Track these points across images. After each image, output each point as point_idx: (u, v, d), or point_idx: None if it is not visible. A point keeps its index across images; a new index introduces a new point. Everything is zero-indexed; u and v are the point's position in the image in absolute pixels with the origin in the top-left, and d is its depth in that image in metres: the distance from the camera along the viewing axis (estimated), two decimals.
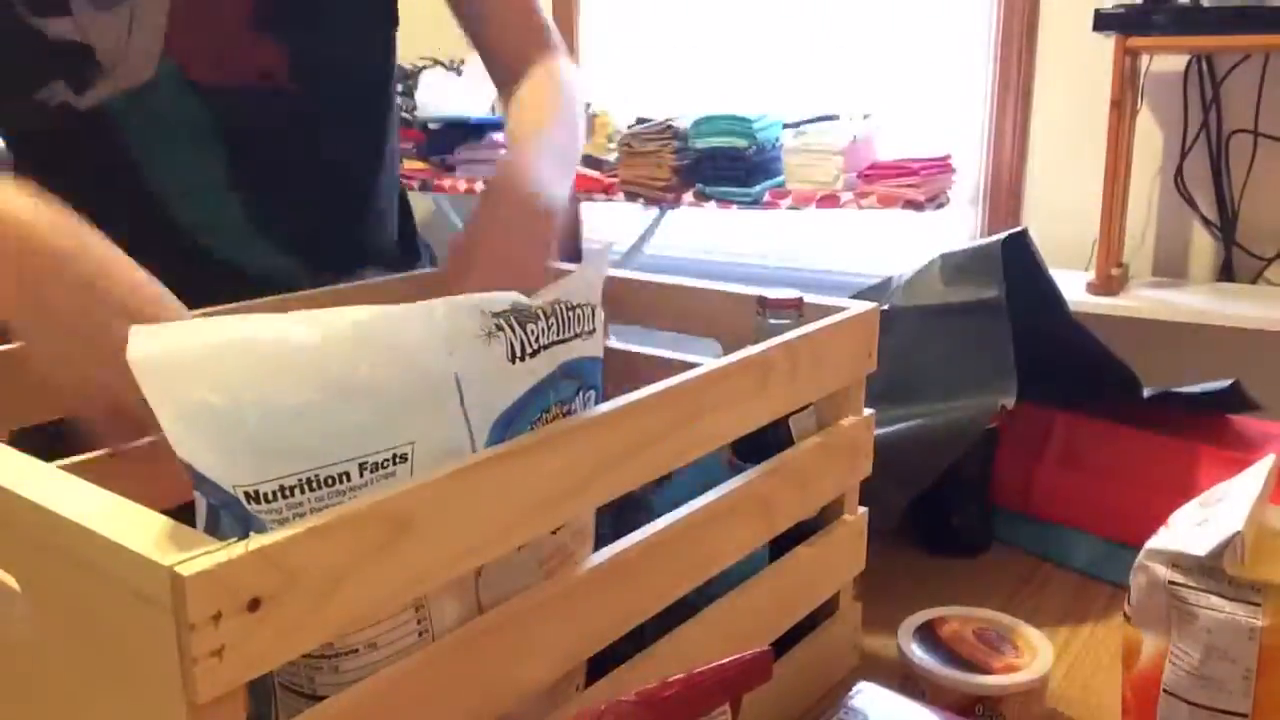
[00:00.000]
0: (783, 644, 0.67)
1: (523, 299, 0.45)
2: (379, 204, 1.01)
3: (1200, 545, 0.55)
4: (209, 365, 0.37)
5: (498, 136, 3.03)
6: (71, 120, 0.83)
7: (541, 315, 0.45)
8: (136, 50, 0.82)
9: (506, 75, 0.94)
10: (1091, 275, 2.27)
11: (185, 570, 0.32)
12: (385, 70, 0.99)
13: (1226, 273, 2.39)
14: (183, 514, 0.39)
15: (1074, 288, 2.28)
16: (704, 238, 3.15)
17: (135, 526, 0.35)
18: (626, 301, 0.78)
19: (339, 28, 0.91)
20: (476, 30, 0.97)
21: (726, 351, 0.58)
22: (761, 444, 0.62)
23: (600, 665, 0.53)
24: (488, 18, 0.96)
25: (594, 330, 0.49)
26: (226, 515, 0.39)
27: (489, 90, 3.08)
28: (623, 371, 0.69)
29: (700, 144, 2.72)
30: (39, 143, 0.87)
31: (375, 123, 0.98)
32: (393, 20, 0.96)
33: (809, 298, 0.67)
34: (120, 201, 0.77)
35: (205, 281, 0.65)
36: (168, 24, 0.82)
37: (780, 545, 0.65)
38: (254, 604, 0.34)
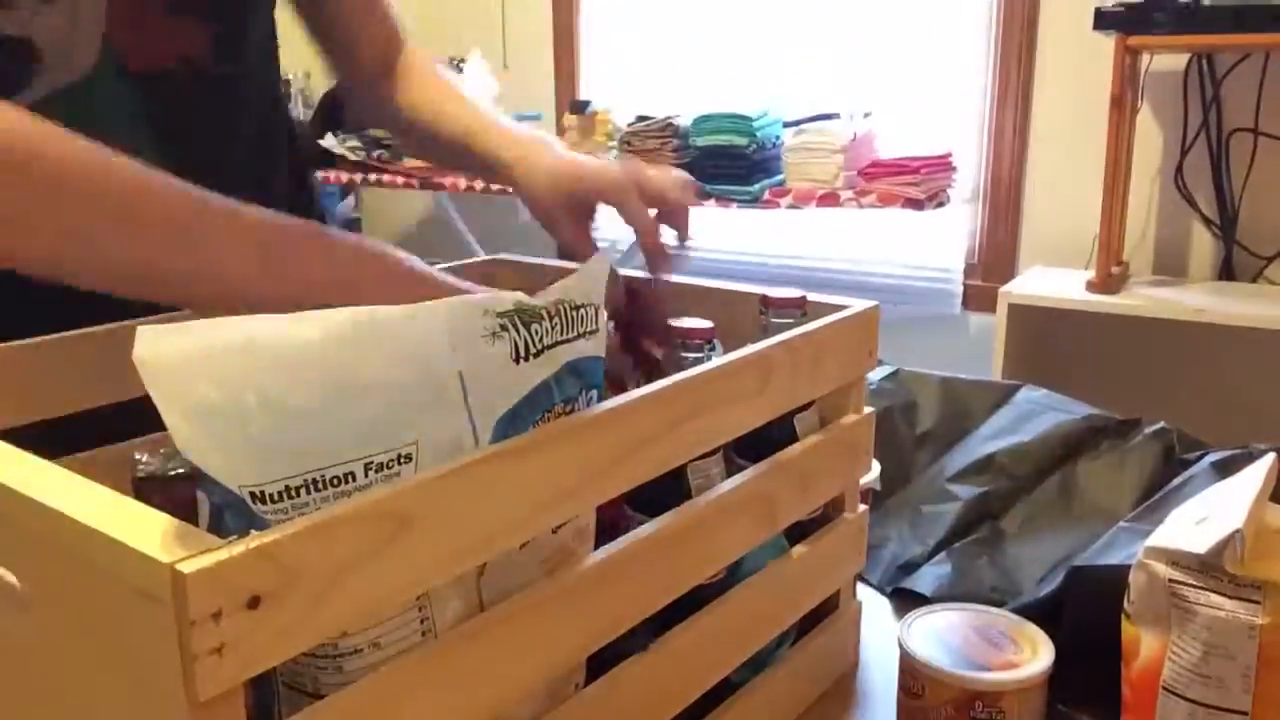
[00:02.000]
0: (784, 641, 0.67)
1: (526, 299, 0.45)
2: (280, 189, 0.98)
3: (1200, 543, 0.55)
4: (214, 365, 0.37)
5: None
6: None
7: (545, 315, 0.45)
8: (79, 42, 0.79)
9: (380, 64, 0.97)
10: (1091, 274, 2.27)
11: (186, 568, 0.32)
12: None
13: (1226, 271, 2.40)
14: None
15: (1074, 286, 2.29)
16: (704, 236, 3.15)
17: (136, 524, 0.35)
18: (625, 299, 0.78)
19: (259, 6, 0.90)
20: (341, 23, 0.97)
21: (728, 350, 0.58)
22: (766, 442, 0.62)
23: (600, 663, 0.53)
24: (351, 11, 0.98)
25: (597, 330, 0.49)
26: (230, 515, 0.39)
27: (490, 87, 3.09)
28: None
29: (700, 142, 2.72)
30: None
31: (284, 105, 0.98)
32: None
33: (812, 296, 0.67)
34: None
35: None
36: (106, 13, 0.79)
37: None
38: (254, 601, 0.34)
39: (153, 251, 0.56)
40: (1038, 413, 1.00)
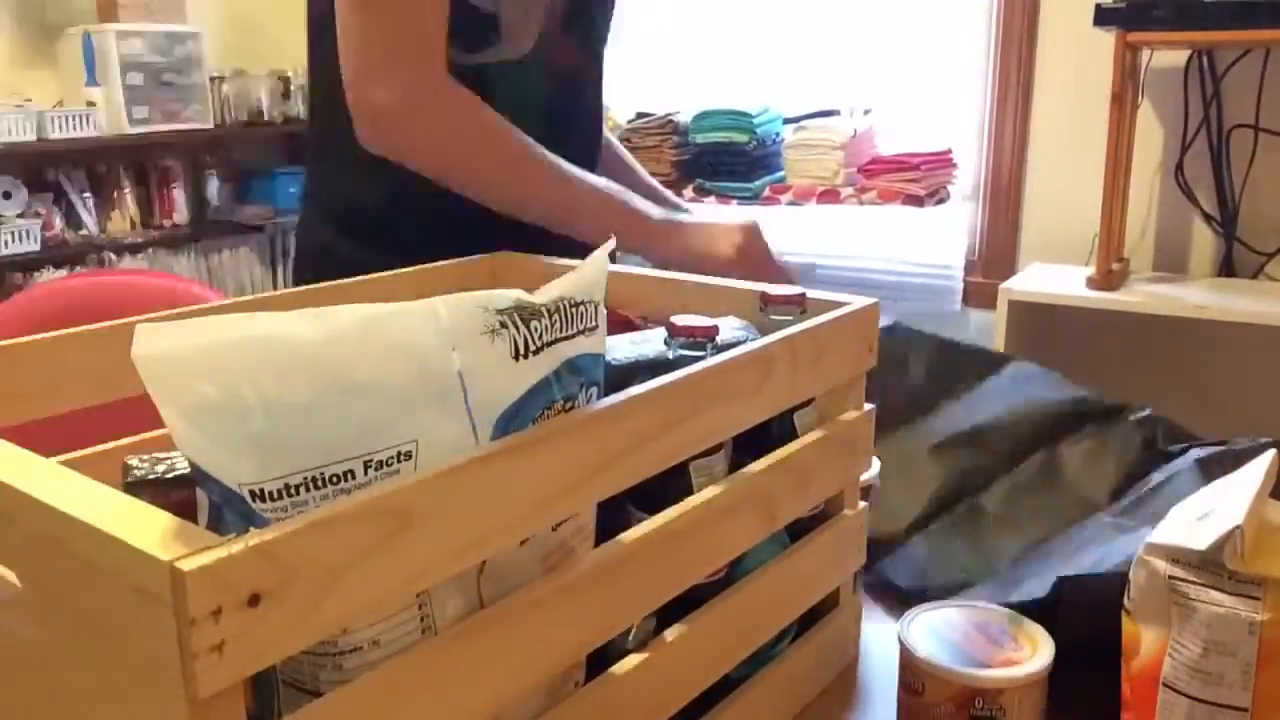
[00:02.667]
0: (784, 638, 0.67)
1: (526, 296, 0.45)
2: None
3: (1200, 540, 0.55)
4: (213, 363, 0.37)
5: None
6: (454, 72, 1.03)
7: (545, 312, 0.45)
8: (526, 31, 1.05)
9: None
10: (1092, 270, 2.27)
11: (186, 565, 0.32)
12: None
13: (1227, 268, 2.39)
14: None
15: (1074, 283, 2.28)
16: None
17: (136, 522, 0.35)
18: (629, 297, 0.78)
19: (604, 31, 1.18)
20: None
21: (729, 347, 0.58)
22: (766, 439, 0.62)
23: (600, 661, 0.53)
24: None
25: (597, 326, 0.49)
26: (230, 513, 0.39)
27: None
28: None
29: (701, 139, 2.72)
30: None
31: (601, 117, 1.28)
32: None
33: (811, 293, 0.67)
34: None
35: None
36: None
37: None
38: (254, 599, 0.34)
39: (558, 215, 1.02)
40: (1025, 387, 1.00)
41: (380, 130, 0.98)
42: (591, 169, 1.14)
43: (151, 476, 0.48)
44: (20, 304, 1.54)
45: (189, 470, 0.46)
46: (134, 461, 0.49)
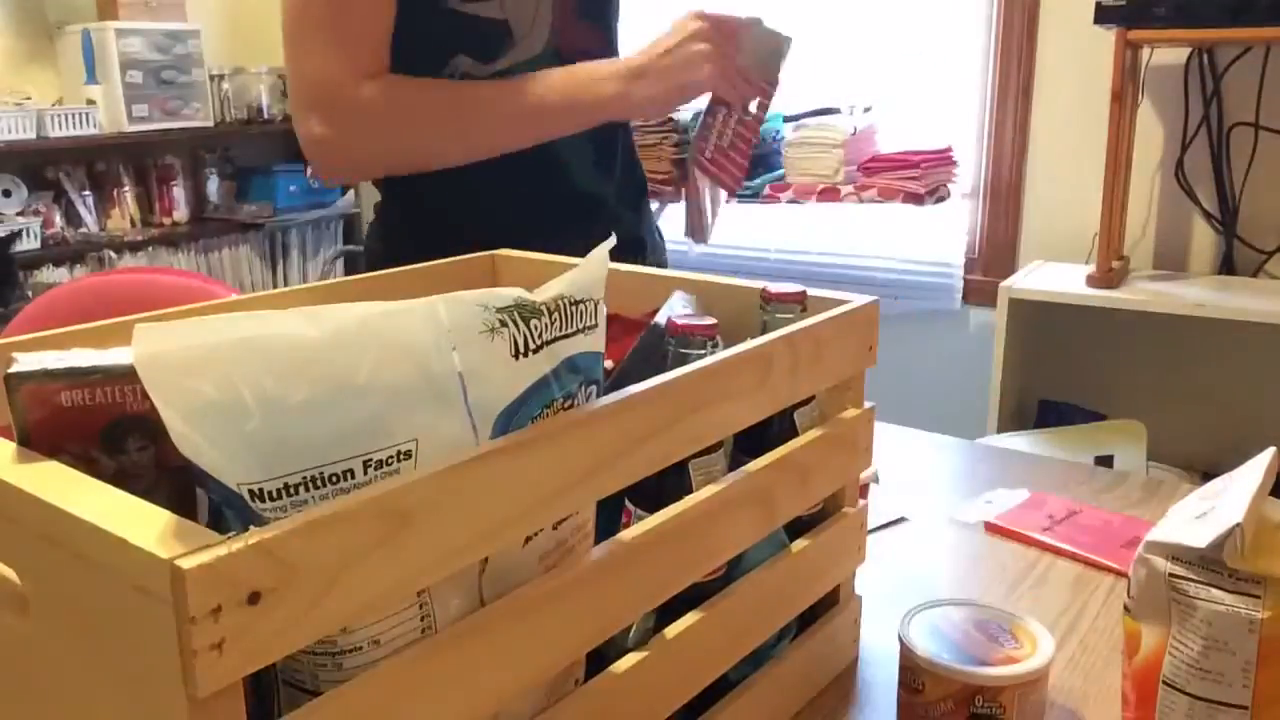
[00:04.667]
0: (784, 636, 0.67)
1: (525, 294, 0.45)
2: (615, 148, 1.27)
3: (1200, 538, 0.55)
4: (212, 362, 0.37)
5: None
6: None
7: (544, 311, 0.45)
8: (537, 28, 1.06)
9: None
10: (1092, 268, 2.27)
11: (185, 564, 0.32)
12: None
13: (1227, 266, 2.39)
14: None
15: (1074, 281, 2.28)
16: None
17: (136, 521, 0.35)
18: (629, 295, 0.78)
19: (617, 5, 1.19)
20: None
21: (729, 345, 0.58)
22: (767, 437, 0.62)
23: (600, 659, 0.53)
24: None
25: (596, 325, 0.49)
26: (230, 513, 0.39)
27: None
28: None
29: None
30: None
31: None
32: None
33: (812, 291, 0.67)
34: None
35: (567, 202, 1.13)
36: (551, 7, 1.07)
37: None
38: (254, 597, 0.34)
39: (537, 123, 1.04)
40: None
41: (324, 165, 1.04)
42: (615, 147, 1.20)
43: (36, 368, 0.45)
44: (43, 304, 1.57)
45: (83, 365, 0.46)
46: (18, 355, 0.46)
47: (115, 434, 0.47)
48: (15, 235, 2.80)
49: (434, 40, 1.04)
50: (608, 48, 1.18)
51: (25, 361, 0.46)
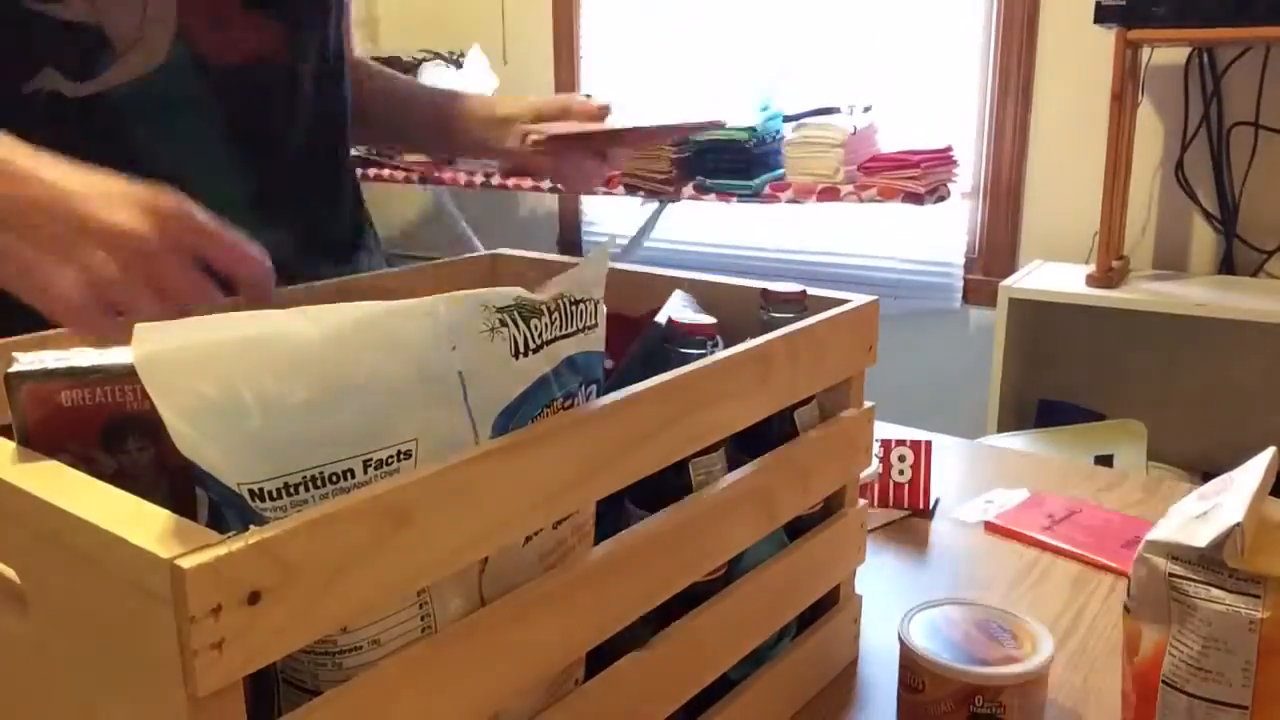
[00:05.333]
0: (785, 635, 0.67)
1: (526, 294, 0.45)
2: (345, 188, 1.04)
3: (1200, 537, 0.55)
4: (212, 362, 0.37)
5: None
6: (61, 108, 0.80)
7: (545, 310, 0.45)
8: (152, 35, 0.81)
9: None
10: (1092, 268, 2.27)
11: (185, 563, 0.32)
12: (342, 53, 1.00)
13: (1227, 265, 2.39)
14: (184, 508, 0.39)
15: (1074, 280, 2.28)
16: (705, 230, 3.14)
17: (135, 520, 0.35)
18: (629, 295, 0.78)
19: (319, 5, 0.93)
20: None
21: (728, 344, 0.58)
22: (766, 437, 0.62)
23: (600, 658, 0.53)
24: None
25: (596, 324, 0.49)
26: (229, 512, 0.39)
27: (489, 82, 3.08)
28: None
29: (700, 136, 2.71)
30: (21, 135, 0.80)
31: (346, 105, 1.01)
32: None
33: (812, 290, 0.67)
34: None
35: None
36: (177, 6, 0.82)
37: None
38: (254, 597, 0.34)
39: None
40: None
41: None
42: (337, 181, 1.00)
43: (36, 368, 0.45)
44: None
45: (83, 364, 0.46)
46: (19, 355, 0.46)
47: (115, 434, 0.47)
48: None
49: (15, 47, 0.79)
50: (302, 49, 0.91)
51: (25, 361, 0.46)
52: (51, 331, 0.58)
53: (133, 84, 0.81)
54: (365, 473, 0.40)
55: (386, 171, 3.10)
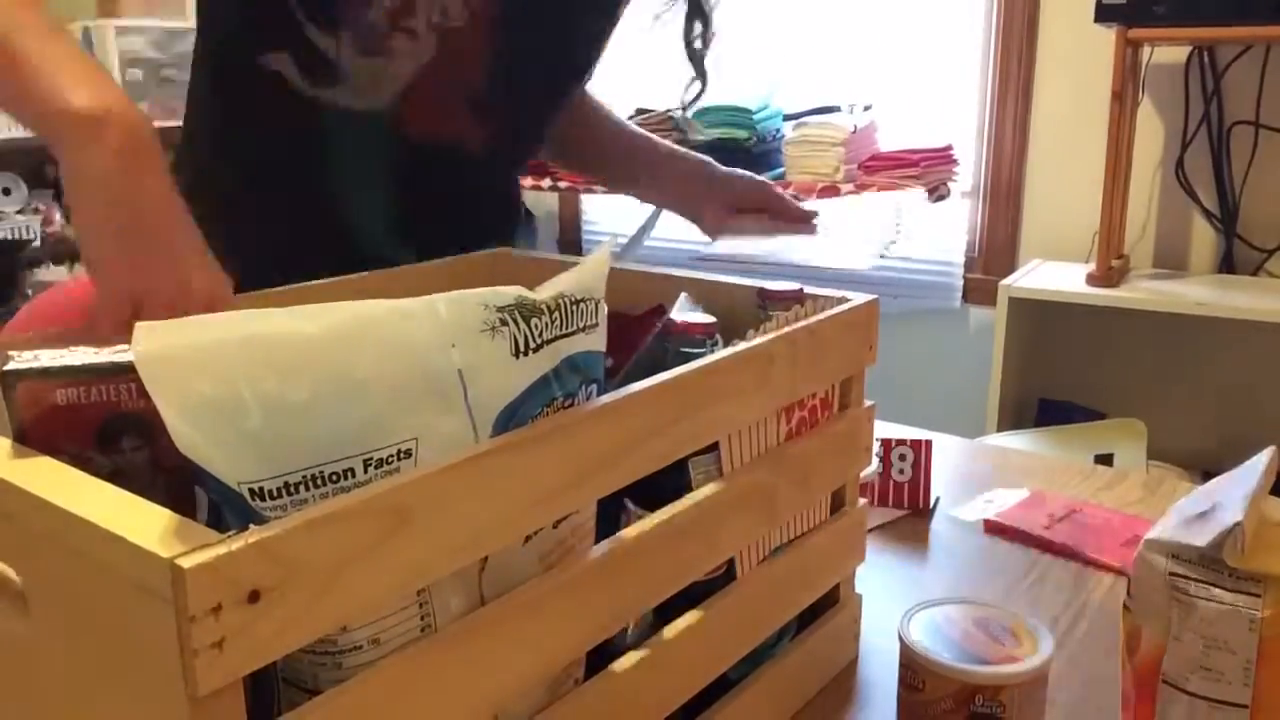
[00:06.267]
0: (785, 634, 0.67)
1: (526, 293, 0.45)
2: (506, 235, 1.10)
3: (1200, 536, 0.55)
4: (212, 362, 0.37)
5: None
6: (274, 89, 0.89)
7: (545, 309, 0.45)
8: (377, 96, 0.91)
9: None
10: (1092, 267, 2.27)
11: (186, 562, 0.32)
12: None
13: (1227, 264, 2.39)
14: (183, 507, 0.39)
15: (1074, 280, 2.28)
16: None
17: (136, 519, 0.35)
18: (629, 294, 0.78)
19: (543, 105, 1.03)
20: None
21: (727, 343, 0.58)
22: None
23: (600, 658, 0.53)
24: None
25: (597, 324, 0.49)
26: (229, 511, 0.39)
27: None
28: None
29: (700, 135, 2.71)
30: (231, 99, 0.94)
31: (524, 170, 1.12)
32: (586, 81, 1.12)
33: (811, 290, 0.67)
34: (287, 172, 0.93)
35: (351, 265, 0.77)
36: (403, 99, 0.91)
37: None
38: (254, 596, 0.34)
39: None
40: None
41: None
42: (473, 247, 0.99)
43: (32, 365, 0.45)
44: (42, 303, 1.55)
45: (79, 363, 0.46)
46: (14, 353, 0.46)
47: (111, 432, 0.47)
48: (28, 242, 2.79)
49: (262, 22, 0.89)
50: (488, 145, 0.99)
51: (21, 359, 0.46)
52: (47, 330, 0.58)
53: (342, 112, 0.91)
54: (365, 472, 0.40)
55: None
